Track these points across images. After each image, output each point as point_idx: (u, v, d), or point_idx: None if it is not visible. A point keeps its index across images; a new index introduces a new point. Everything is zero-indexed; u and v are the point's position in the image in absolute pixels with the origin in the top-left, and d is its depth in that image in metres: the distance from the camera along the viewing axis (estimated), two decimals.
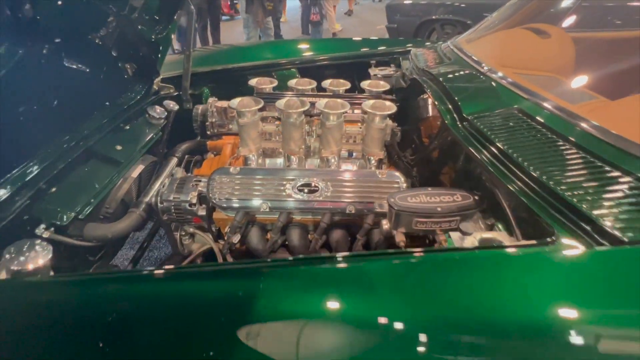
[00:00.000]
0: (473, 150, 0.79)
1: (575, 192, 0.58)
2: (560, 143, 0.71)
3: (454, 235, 0.66)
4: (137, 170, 1.20)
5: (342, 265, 0.57)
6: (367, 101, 1.07)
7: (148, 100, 1.45)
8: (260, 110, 1.07)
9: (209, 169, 1.26)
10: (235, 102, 1.04)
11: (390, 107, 1.04)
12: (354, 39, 2.16)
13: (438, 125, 1.23)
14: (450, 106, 1.01)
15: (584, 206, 0.54)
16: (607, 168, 0.60)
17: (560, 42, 1.32)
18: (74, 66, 1.17)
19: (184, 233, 1.12)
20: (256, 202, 0.91)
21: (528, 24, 1.50)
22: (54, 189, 0.97)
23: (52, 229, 0.88)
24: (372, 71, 1.70)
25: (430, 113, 1.29)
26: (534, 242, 0.55)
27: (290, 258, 0.77)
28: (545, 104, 0.85)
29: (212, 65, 1.79)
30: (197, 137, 1.47)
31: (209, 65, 1.79)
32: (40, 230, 0.87)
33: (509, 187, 0.65)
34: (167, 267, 0.68)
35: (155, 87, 1.51)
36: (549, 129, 0.77)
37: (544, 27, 1.43)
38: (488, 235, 0.65)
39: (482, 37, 1.54)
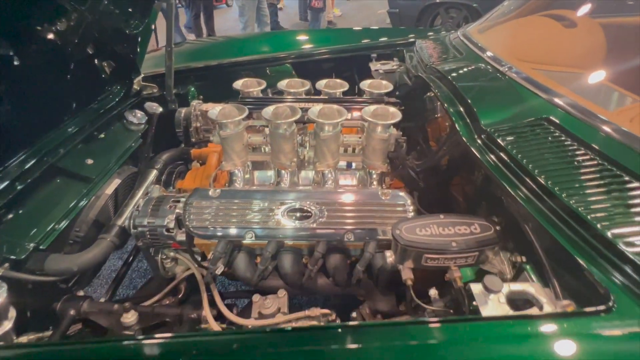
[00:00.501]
0: (495, 174, 0.66)
1: (635, 241, 0.45)
2: (607, 167, 0.57)
3: (476, 288, 0.53)
4: (112, 185, 1.08)
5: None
6: (368, 107, 0.93)
7: (127, 102, 1.32)
8: (246, 118, 0.94)
9: (192, 181, 1.13)
10: (216, 111, 0.90)
11: (395, 115, 0.90)
12: (353, 28, 1.99)
13: (447, 127, 1.09)
14: (461, 109, 0.87)
15: None
16: None
17: (588, 31, 1.16)
18: (40, 68, 1.03)
19: (164, 256, 1.01)
20: (240, 231, 0.79)
21: (547, 11, 1.34)
22: (10, 216, 0.85)
23: (7, 264, 0.77)
24: (373, 66, 1.55)
25: (439, 113, 1.15)
26: (582, 310, 0.43)
27: (289, 328, 0.65)
28: (578, 113, 0.71)
29: (199, 61, 1.64)
30: (180, 144, 1.34)
31: (196, 61, 1.64)
32: None
33: (544, 225, 0.52)
34: (146, 338, 0.55)
35: (136, 87, 1.37)
36: (587, 145, 0.63)
37: (566, 13, 1.26)
38: (517, 287, 0.52)
39: (495, 27, 1.38)
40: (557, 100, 0.77)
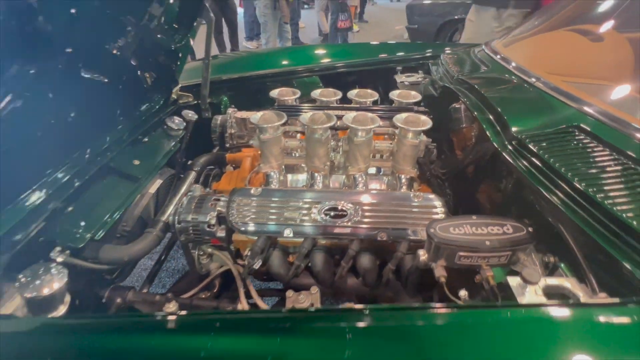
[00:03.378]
0: (529, 178, 0.69)
1: None
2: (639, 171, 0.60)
3: (513, 281, 0.56)
4: (155, 185, 1.16)
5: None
6: (400, 115, 0.98)
7: (166, 110, 1.41)
8: (283, 124, 1.00)
9: (227, 183, 1.20)
10: (257, 117, 0.97)
11: (426, 122, 0.95)
12: (375, 43, 2.07)
13: (472, 137, 1.13)
14: (491, 117, 0.91)
15: None
16: None
17: (614, 44, 1.19)
18: (92, 78, 1.13)
19: (202, 253, 1.07)
20: (279, 228, 0.84)
21: (573, 26, 1.37)
22: (70, 209, 0.93)
23: (68, 251, 0.84)
24: (399, 78, 1.61)
25: (464, 124, 1.18)
26: (617, 300, 0.45)
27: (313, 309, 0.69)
28: (609, 121, 0.74)
29: (231, 73, 1.74)
30: (215, 148, 1.42)
31: (227, 73, 1.74)
32: (56, 253, 0.83)
33: (581, 226, 0.55)
34: (183, 314, 0.60)
35: (173, 96, 1.48)
36: (619, 151, 0.66)
37: (592, 28, 1.29)
38: (554, 281, 0.55)
39: (520, 41, 1.42)
40: (587, 108, 0.80)
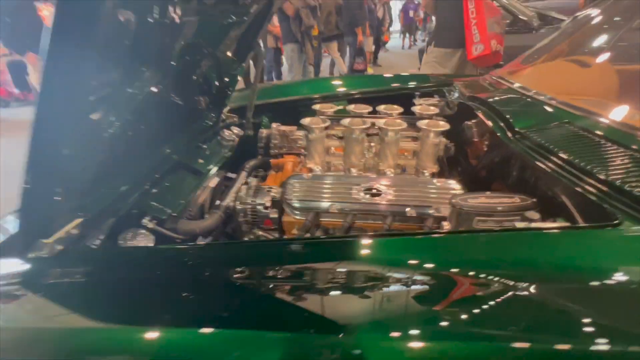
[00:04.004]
0: (530, 156, 0.88)
1: None
2: (622, 151, 0.77)
3: (519, 225, 0.73)
4: (214, 181, 1.38)
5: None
6: (422, 120, 1.19)
7: (218, 126, 1.68)
8: (326, 128, 1.23)
9: (272, 183, 1.41)
10: (307, 120, 1.20)
11: (444, 125, 1.16)
12: (396, 74, 2.36)
13: (484, 149, 1.32)
14: (502, 124, 1.11)
15: None
16: None
17: (602, 72, 1.41)
18: (169, 99, 1.42)
19: (252, 236, 1.25)
20: (326, 204, 1.03)
21: (569, 57, 1.61)
22: (154, 191, 1.15)
23: (155, 221, 1.04)
24: (417, 101, 1.85)
25: (476, 137, 1.38)
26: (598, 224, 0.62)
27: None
28: (599, 119, 0.93)
29: (269, 99, 2.04)
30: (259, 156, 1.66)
31: (266, 99, 2.04)
32: (146, 221, 1.03)
33: (571, 186, 0.72)
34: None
35: (223, 116, 1.75)
36: (607, 139, 0.84)
37: (586, 59, 1.53)
38: (553, 224, 0.71)
39: (523, 69, 1.66)
40: (578, 112, 1.00)
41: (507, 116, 1.08)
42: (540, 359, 0.45)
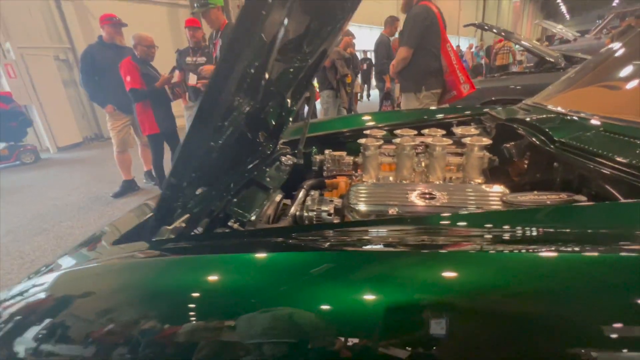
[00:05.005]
0: (570, 159, 1.00)
1: None
2: None
3: None
4: (279, 197, 1.58)
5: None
6: (466, 138, 1.35)
7: (274, 155, 1.93)
8: (380, 147, 1.42)
9: None
10: (363, 140, 1.40)
11: (487, 140, 1.31)
12: (430, 108, 2.56)
13: (526, 161, 1.43)
14: (542, 137, 1.23)
15: None
16: None
17: (629, 93, 1.52)
18: (244, 131, 1.69)
19: None
20: (386, 207, 1.17)
21: (598, 83, 1.75)
22: (235, 200, 1.36)
23: (237, 223, 1.23)
24: (455, 130, 2.02)
25: (518, 152, 1.51)
26: None
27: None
28: (632, 125, 1.05)
29: (317, 132, 2.30)
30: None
31: (315, 132, 2.30)
32: (231, 223, 1.22)
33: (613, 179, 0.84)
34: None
35: (277, 148, 2.01)
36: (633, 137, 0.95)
37: (615, 84, 1.65)
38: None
39: (557, 96, 1.80)
40: (612, 121, 1.12)
41: (546, 130, 1.22)
42: None
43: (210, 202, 1.24)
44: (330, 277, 0.61)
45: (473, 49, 15.86)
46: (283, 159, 1.87)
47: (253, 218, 1.28)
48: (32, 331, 0.68)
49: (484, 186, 1.18)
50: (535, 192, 1.03)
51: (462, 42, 26.06)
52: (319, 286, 0.59)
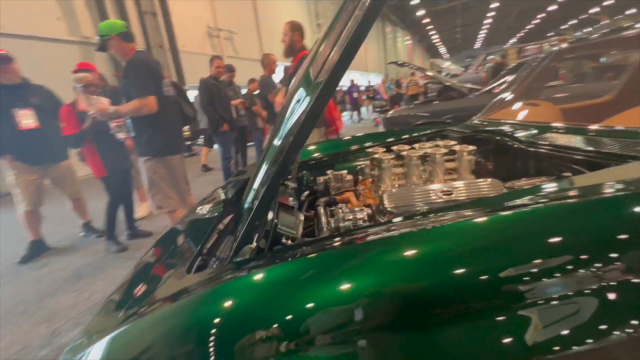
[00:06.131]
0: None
1: None
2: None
3: None
4: (302, 215, 1.69)
5: None
6: (455, 146, 1.70)
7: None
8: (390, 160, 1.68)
9: None
10: (377, 155, 1.64)
11: (472, 147, 1.67)
12: (381, 131, 2.97)
13: (501, 165, 1.85)
14: (510, 139, 1.64)
15: None
16: None
17: (550, 110, 2.11)
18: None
19: None
20: (414, 207, 1.40)
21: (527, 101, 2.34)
22: (275, 221, 1.44)
23: (289, 240, 1.32)
24: (421, 145, 2.42)
25: (492, 157, 1.92)
26: None
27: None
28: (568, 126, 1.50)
29: (305, 158, 2.49)
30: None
31: (303, 158, 2.48)
32: (284, 240, 1.31)
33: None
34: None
35: None
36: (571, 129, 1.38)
37: (539, 102, 2.25)
38: None
39: (497, 112, 2.34)
40: (541, 124, 1.57)
41: (510, 133, 1.63)
42: None
43: (266, 223, 1.31)
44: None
45: (387, 83, 18.14)
46: (287, 182, 1.99)
47: (299, 234, 1.37)
48: None
49: (480, 181, 1.51)
50: (523, 179, 1.38)
51: (372, 77, 29.34)
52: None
